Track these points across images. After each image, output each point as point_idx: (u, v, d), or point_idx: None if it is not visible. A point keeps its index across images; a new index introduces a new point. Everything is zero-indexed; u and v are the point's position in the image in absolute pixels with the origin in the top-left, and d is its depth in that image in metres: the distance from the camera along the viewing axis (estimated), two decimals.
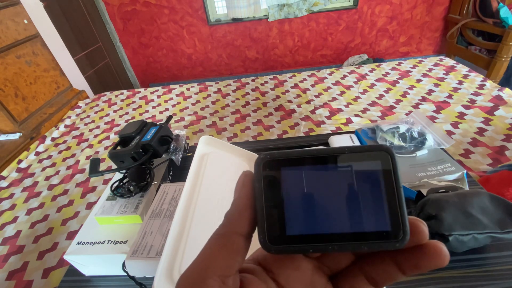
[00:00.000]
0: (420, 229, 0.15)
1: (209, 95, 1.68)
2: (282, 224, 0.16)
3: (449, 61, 1.67)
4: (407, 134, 0.65)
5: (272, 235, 0.15)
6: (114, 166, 0.64)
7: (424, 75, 1.57)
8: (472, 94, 1.34)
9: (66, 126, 1.56)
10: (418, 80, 1.53)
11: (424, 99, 1.37)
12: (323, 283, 0.17)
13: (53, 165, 1.26)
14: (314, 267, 0.17)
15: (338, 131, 1.13)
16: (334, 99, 1.47)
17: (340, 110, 1.37)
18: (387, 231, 0.15)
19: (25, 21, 1.55)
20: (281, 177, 0.16)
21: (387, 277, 0.16)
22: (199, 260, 0.15)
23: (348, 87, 1.56)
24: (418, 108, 1.31)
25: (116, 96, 1.80)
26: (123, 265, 0.45)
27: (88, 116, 1.63)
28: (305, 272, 0.17)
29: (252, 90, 1.68)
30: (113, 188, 0.57)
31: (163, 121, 0.73)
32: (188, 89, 1.76)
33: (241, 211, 0.16)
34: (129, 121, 1.06)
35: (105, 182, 1.09)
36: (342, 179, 0.16)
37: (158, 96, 1.72)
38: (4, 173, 1.22)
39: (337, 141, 0.71)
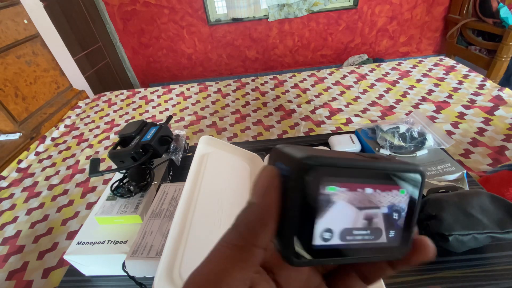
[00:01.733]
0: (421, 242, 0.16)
1: (209, 95, 1.68)
2: (310, 238, 0.14)
3: (449, 61, 1.67)
4: (407, 134, 0.65)
5: (298, 248, 0.14)
6: (114, 166, 0.64)
7: (424, 75, 1.57)
8: (472, 94, 1.34)
9: (66, 126, 1.56)
10: (418, 80, 1.53)
11: (424, 99, 1.37)
12: (318, 282, 0.18)
13: (53, 165, 1.26)
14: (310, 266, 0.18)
15: (338, 131, 1.13)
16: (334, 99, 1.47)
17: (340, 110, 1.37)
18: (395, 247, 0.16)
19: (25, 21, 1.55)
20: (319, 188, 0.14)
21: (378, 273, 0.17)
22: (213, 270, 0.13)
23: (348, 87, 1.56)
24: (418, 108, 1.31)
25: (116, 96, 1.80)
26: (123, 265, 0.45)
27: (88, 116, 1.63)
28: (302, 271, 0.17)
29: (252, 90, 1.68)
30: (113, 188, 0.57)
31: (163, 121, 0.73)
32: (188, 89, 1.76)
33: (266, 221, 0.13)
34: (129, 121, 1.06)
35: (105, 182, 1.09)
36: (374, 195, 0.15)
37: (158, 96, 1.72)
38: (4, 173, 1.22)
39: (337, 141, 0.71)
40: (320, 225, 0.14)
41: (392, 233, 0.15)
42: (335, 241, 0.14)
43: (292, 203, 0.14)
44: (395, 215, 0.15)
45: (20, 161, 1.29)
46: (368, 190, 0.15)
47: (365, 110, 1.35)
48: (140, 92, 1.81)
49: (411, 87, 1.48)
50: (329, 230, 0.14)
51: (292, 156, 0.14)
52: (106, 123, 1.53)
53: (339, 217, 0.14)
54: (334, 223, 0.14)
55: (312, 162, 0.13)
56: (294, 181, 0.13)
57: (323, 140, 0.75)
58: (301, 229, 0.14)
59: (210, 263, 0.14)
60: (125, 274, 0.45)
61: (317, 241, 0.14)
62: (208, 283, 0.13)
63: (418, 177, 0.15)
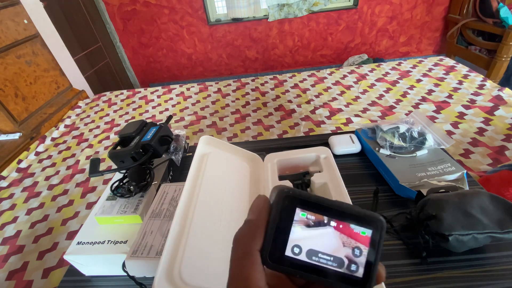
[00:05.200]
0: (380, 274, 0.19)
1: (209, 95, 1.68)
2: (284, 248, 0.19)
3: (449, 61, 1.67)
4: (407, 134, 0.65)
5: (273, 254, 0.18)
6: (114, 166, 0.64)
7: (424, 75, 1.57)
8: (472, 94, 1.34)
9: (66, 126, 1.56)
10: (418, 80, 1.53)
11: (424, 99, 1.37)
12: None
13: (53, 165, 1.26)
14: None
15: (338, 131, 1.13)
16: (334, 99, 1.47)
17: (340, 110, 1.37)
18: (358, 279, 0.18)
19: (25, 21, 1.55)
20: (295, 211, 0.19)
21: None
22: (235, 273, 0.18)
23: (348, 87, 1.56)
24: (418, 108, 1.31)
25: (116, 96, 1.80)
26: (123, 265, 0.45)
27: (88, 116, 1.63)
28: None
29: (252, 90, 1.68)
30: (113, 188, 0.57)
31: (163, 121, 0.73)
32: (188, 89, 1.76)
33: (256, 231, 0.19)
34: (129, 121, 1.06)
35: (105, 182, 1.09)
36: (342, 230, 0.19)
37: (158, 96, 1.72)
38: (4, 173, 1.22)
39: (337, 141, 0.71)
40: (292, 241, 0.19)
41: (354, 267, 0.18)
42: (302, 257, 0.19)
43: (273, 219, 0.19)
44: (357, 252, 0.19)
45: (20, 161, 1.29)
46: (333, 224, 0.19)
47: (365, 110, 1.35)
48: (140, 92, 1.81)
49: (411, 87, 1.48)
50: (298, 247, 0.19)
51: (279, 188, 0.19)
52: (106, 123, 1.53)
53: (307, 239, 0.19)
54: (303, 242, 0.19)
55: (290, 192, 0.19)
56: (275, 202, 0.19)
57: (323, 140, 0.75)
58: (276, 239, 0.18)
59: (231, 270, 0.18)
60: (125, 274, 0.45)
61: (288, 252, 0.19)
62: (235, 281, 0.18)
63: (380, 223, 0.19)
